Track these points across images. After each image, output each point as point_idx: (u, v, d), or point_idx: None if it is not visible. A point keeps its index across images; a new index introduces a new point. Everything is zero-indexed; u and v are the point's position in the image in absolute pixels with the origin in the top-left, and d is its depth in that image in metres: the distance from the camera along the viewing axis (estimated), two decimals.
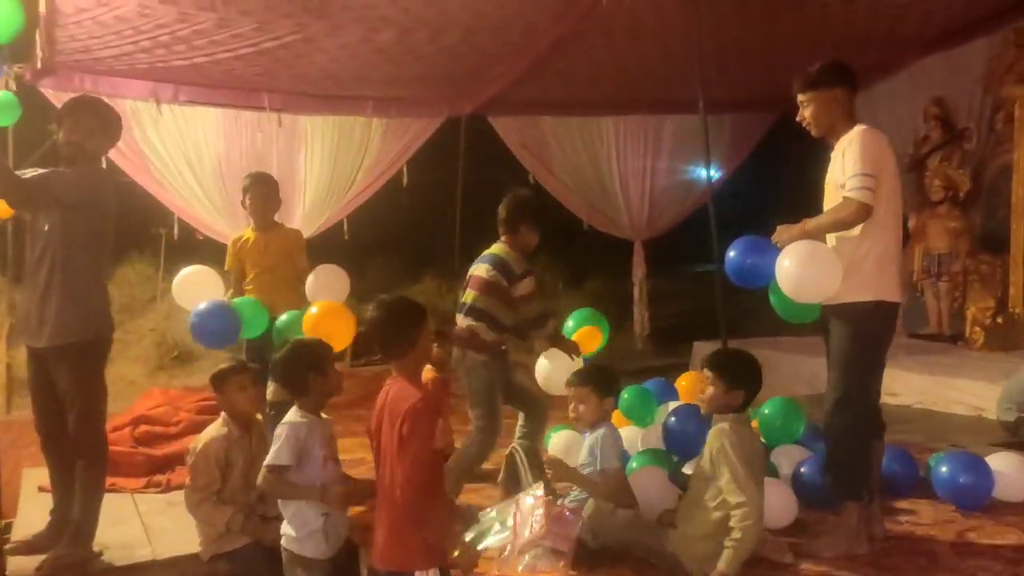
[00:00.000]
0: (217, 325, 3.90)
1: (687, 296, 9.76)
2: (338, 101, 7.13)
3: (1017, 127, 5.76)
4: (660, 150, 8.67)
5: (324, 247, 7.61)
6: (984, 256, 5.95)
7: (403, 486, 2.40)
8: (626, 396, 4.28)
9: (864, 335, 3.08)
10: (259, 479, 2.74)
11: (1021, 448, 4.15)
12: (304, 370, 2.77)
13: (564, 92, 7.67)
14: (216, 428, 3.15)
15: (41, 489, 4.03)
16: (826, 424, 3.15)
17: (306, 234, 7.26)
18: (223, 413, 3.23)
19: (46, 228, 3.22)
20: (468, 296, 3.82)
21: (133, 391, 7.58)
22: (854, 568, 2.96)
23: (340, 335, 3.71)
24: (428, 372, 4.50)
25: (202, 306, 3.91)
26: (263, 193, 4.48)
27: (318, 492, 2.66)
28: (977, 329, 5.56)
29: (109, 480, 3.35)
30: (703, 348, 6.88)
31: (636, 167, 8.59)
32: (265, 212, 4.47)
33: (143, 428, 4.42)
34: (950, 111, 6.65)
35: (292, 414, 2.76)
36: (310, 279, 4.29)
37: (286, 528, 2.69)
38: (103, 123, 3.36)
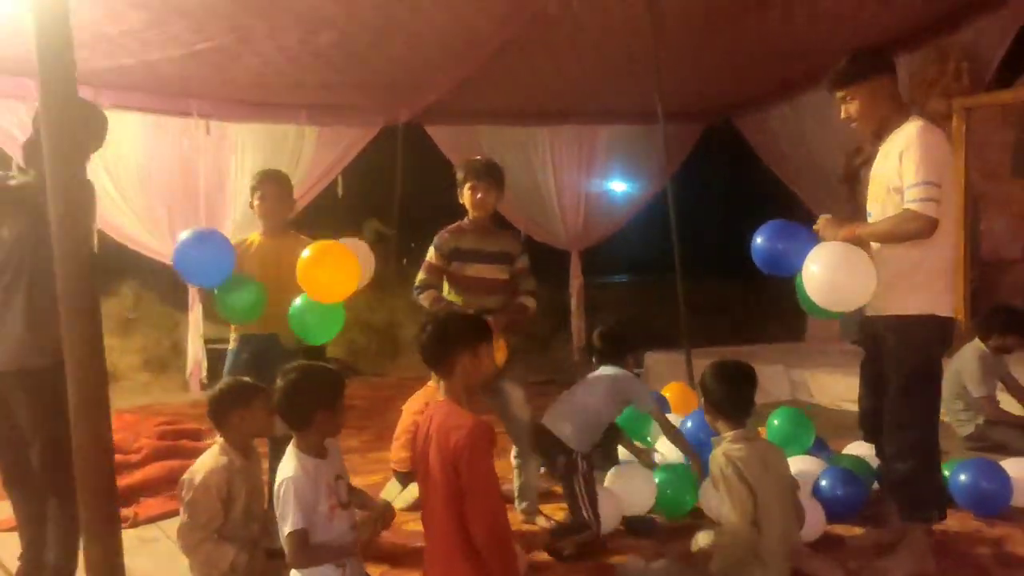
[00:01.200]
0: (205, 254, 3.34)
1: (624, 305, 9.79)
2: (270, 108, 6.89)
3: (955, 138, 5.97)
4: (594, 160, 8.69)
5: None
6: None
7: (481, 533, 2.29)
8: None
9: (918, 350, 2.91)
10: (287, 550, 2.49)
11: None
12: (311, 403, 2.56)
13: (502, 101, 7.61)
14: (213, 458, 2.84)
15: None
16: (888, 442, 3.00)
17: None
18: (219, 440, 2.92)
19: (7, 236, 2.92)
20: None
21: None
22: None
23: (346, 278, 3.37)
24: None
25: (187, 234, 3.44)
26: (277, 192, 3.82)
27: (343, 550, 2.49)
28: None
29: None
30: (657, 359, 6.86)
31: (571, 177, 8.57)
32: (278, 214, 3.81)
33: None
34: None
35: (291, 463, 2.53)
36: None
37: None
38: (85, 124, 2.96)
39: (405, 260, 8.74)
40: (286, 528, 2.46)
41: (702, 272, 8.51)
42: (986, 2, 6.31)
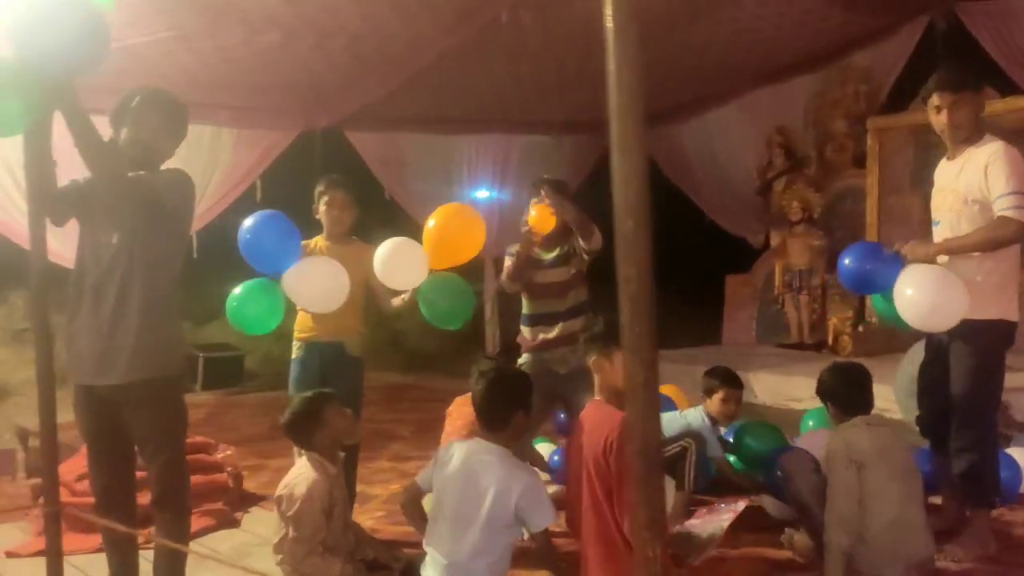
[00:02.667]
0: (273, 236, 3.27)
1: None
2: (190, 108, 6.57)
3: (869, 155, 6.45)
4: (508, 170, 8.79)
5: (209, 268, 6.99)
6: None
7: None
8: None
9: (985, 351, 3.12)
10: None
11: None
12: (512, 405, 2.69)
13: (426, 109, 7.58)
14: (309, 468, 2.74)
15: (9, 555, 3.61)
16: (955, 437, 3.17)
17: None
18: (306, 453, 2.89)
19: (114, 241, 2.66)
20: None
21: None
22: (989, 566, 3.13)
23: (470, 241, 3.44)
24: None
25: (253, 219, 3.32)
26: (342, 199, 3.75)
27: None
28: (846, 337, 6.16)
29: (77, 542, 2.78)
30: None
31: (488, 187, 8.64)
32: (344, 221, 3.74)
33: None
34: (791, 139, 7.31)
35: (518, 463, 2.66)
36: (379, 254, 3.50)
37: None
38: (169, 119, 2.83)
39: None
40: (546, 522, 2.54)
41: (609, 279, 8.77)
42: (882, 29, 6.87)
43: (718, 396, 3.86)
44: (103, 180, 2.64)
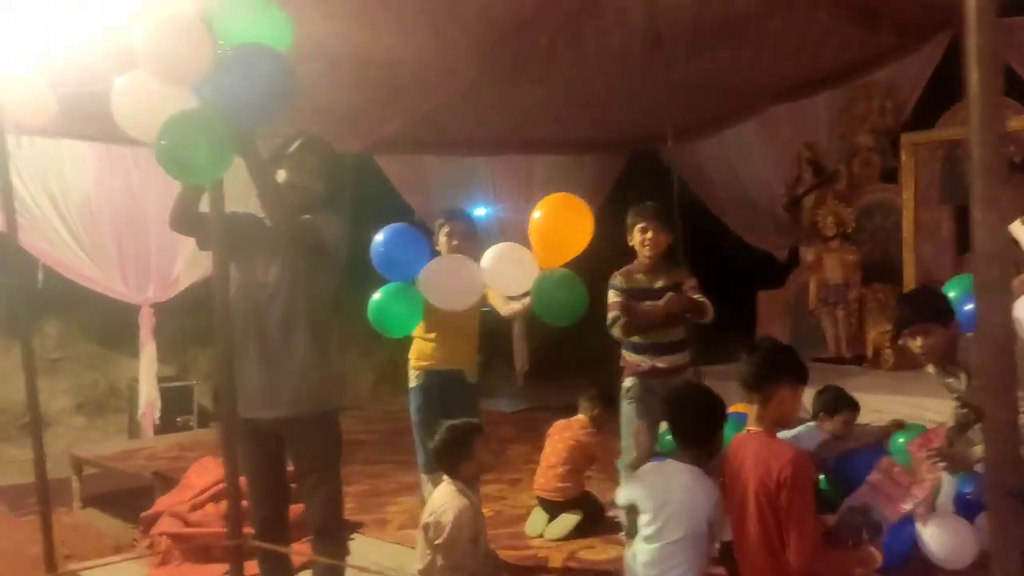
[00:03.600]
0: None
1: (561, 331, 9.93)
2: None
3: (905, 171, 6.54)
4: (532, 189, 8.87)
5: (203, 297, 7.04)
6: (878, 285, 6.68)
7: (803, 562, 2.37)
8: None
9: None
10: None
11: None
12: (712, 425, 2.77)
13: (451, 131, 7.67)
14: (454, 496, 2.82)
15: None
16: None
17: (188, 282, 6.72)
18: (447, 479, 2.95)
19: (270, 279, 2.73)
20: None
21: None
22: None
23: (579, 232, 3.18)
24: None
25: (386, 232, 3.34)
26: (465, 230, 3.82)
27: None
28: (888, 351, 6.22)
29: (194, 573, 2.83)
30: None
31: (511, 207, 8.72)
32: (467, 252, 3.68)
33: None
34: (819, 155, 7.40)
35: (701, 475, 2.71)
36: (486, 259, 3.33)
37: None
38: (324, 162, 2.92)
39: None
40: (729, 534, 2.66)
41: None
42: (905, 46, 6.96)
43: (840, 418, 3.92)
44: (281, 223, 2.73)
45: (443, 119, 7.17)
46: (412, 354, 3.80)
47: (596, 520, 4.31)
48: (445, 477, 2.97)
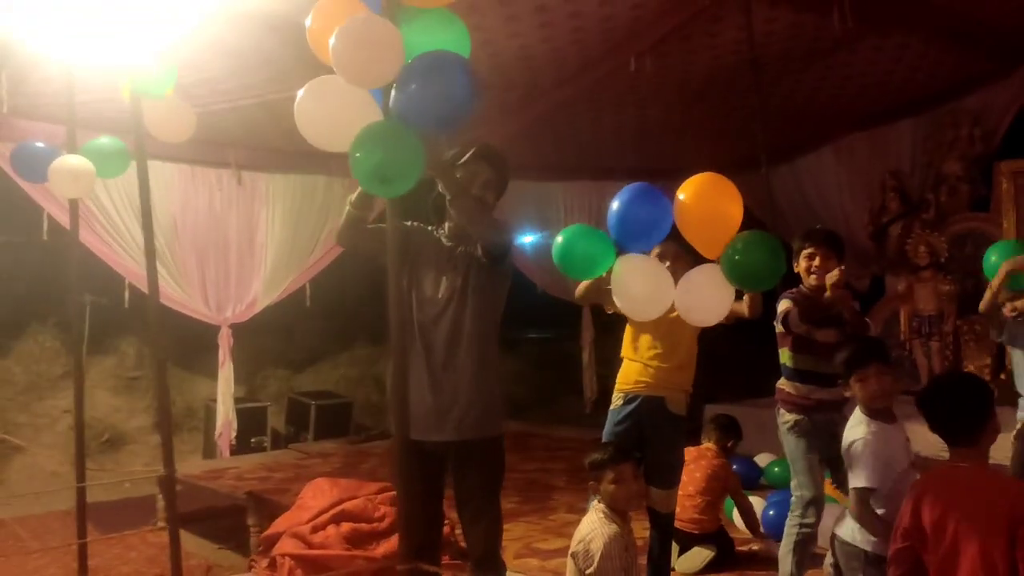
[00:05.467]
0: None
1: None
2: (303, 157, 6.73)
3: (1005, 199, 6.34)
4: (603, 215, 8.78)
5: (282, 314, 7.09)
6: (976, 316, 6.45)
7: None
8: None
9: None
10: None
11: None
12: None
13: (525, 156, 7.65)
14: (603, 523, 2.74)
15: None
16: None
17: (267, 300, 6.78)
18: (598, 504, 2.90)
19: (440, 295, 2.72)
20: None
21: (57, 481, 6.61)
22: None
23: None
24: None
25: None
26: (677, 251, 3.52)
27: None
28: (992, 385, 6.00)
29: None
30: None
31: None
32: (678, 273, 3.58)
33: (348, 526, 3.75)
34: (904, 183, 7.21)
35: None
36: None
37: None
38: (497, 173, 2.85)
39: None
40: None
41: None
42: (993, 72, 6.77)
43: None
44: (464, 233, 2.68)
45: (518, 144, 7.15)
46: (619, 377, 3.63)
47: (729, 555, 4.20)
48: (593, 503, 2.88)
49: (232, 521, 4.88)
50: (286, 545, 3.68)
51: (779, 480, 5.33)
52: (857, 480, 2.70)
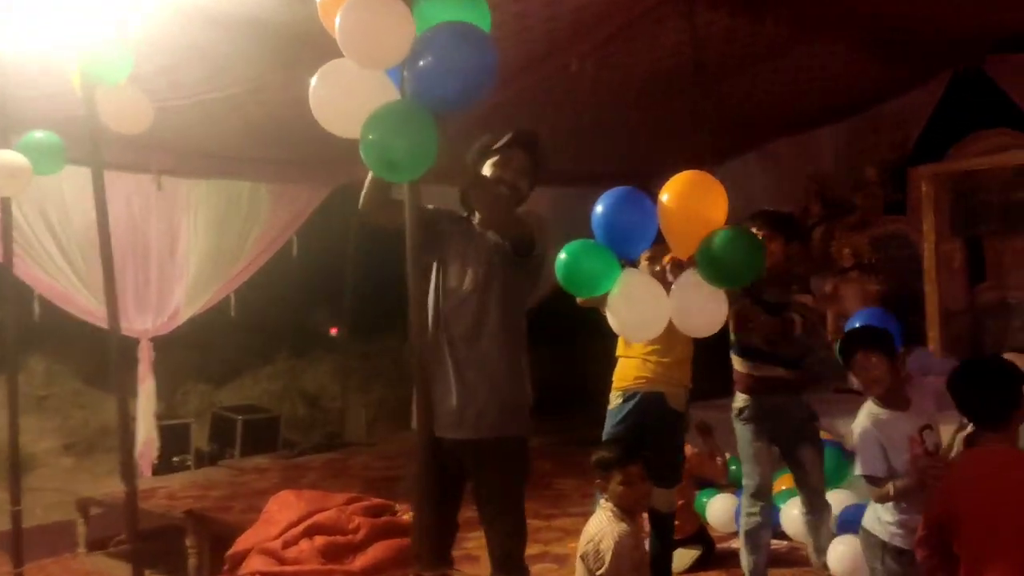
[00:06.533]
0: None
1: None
2: (229, 163, 6.43)
3: (925, 202, 6.58)
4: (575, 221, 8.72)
5: (199, 327, 6.76)
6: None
7: None
8: None
9: None
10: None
11: None
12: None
13: (460, 160, 7.53)
14: (612, 522, 2.64)
15: None
16: None
17: (191, 311, 6.44)
18: (605, 503, 2.78)
19: (465, 287, 2.50)
20: None
21: None
22: None
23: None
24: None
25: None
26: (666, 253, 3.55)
27: None
28: None
29: None
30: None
31: None
32: (675, 271, 3.48)
33: (322, 539, 3.48)
34: (827, 187, 7.44)
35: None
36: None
37: None
38: (535, 162, 2.69)
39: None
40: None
41: None
42: (911, 80, 7.06)
43: None
44: (491, 220, 2.54)
45: (457, 148, 7.03)
46: (615, 374, 3.57)
47: (711, 554, 4.22)
48: (600, 502, 2.79)
49: (164, 544, 4.56)
50: (255, 562, 3.46)
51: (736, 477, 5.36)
52: (855, 467, 2.76)
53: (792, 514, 4.22)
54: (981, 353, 5.97)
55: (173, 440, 6.72)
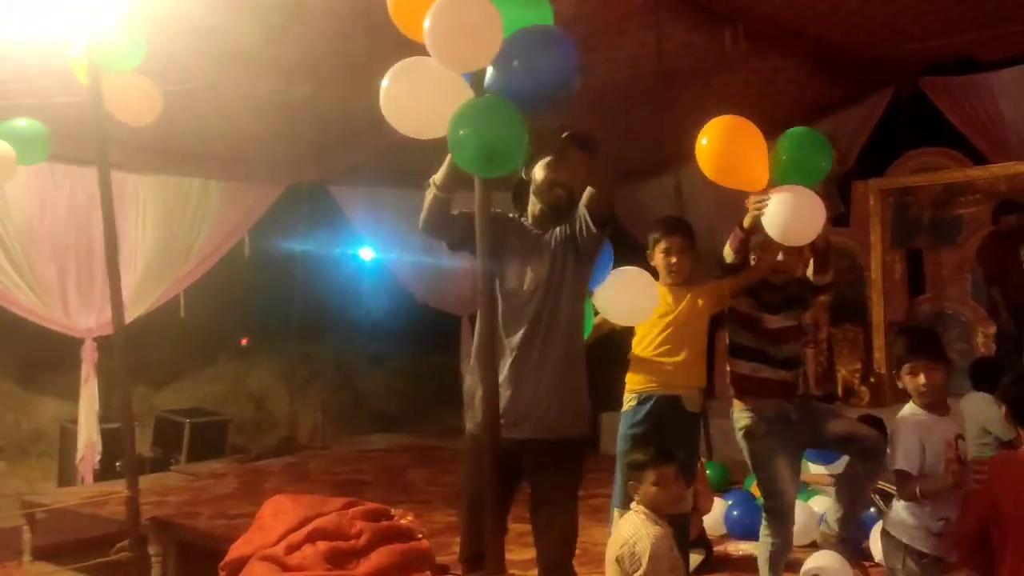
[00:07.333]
0: None
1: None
2: (179, 159, 6.30)
3: (872, 215, 6.81)
4: None
5: (136, 328, 6.57)
6: (848, 325, 6.89)
7: None
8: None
9: None
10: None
11: None
12: None
13: (408, 164, 7.50)
14: (646, 524, 2.58)
15: None
16: None
17: (139, 311, 6.27)
18: (636, 505, 2.70)
19: (525, 288, 2.48)
20: None
21: None
22: None
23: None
24: None
25: None
26: (684, 245, 3.44)
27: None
28: (863, 388, 6.43)
29: None
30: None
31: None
32: (686, 270, 3.42)
33: (325, 545, 3.33)
34: None
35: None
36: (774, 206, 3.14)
37: None
38: (588, 165, 2.58)
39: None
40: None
41: None
42: (849, 98, 7.33)
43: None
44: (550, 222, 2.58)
45: (406, 152, 7.01)
46: (628, 377, 3.49)
47: (712, 557, 4.19)
48: (632, 505, 2.76)
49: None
50: (257, 569, 3.35)
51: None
52: (891, 461, 2.79)
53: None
54: None
55: (117, 444, 6.48)
